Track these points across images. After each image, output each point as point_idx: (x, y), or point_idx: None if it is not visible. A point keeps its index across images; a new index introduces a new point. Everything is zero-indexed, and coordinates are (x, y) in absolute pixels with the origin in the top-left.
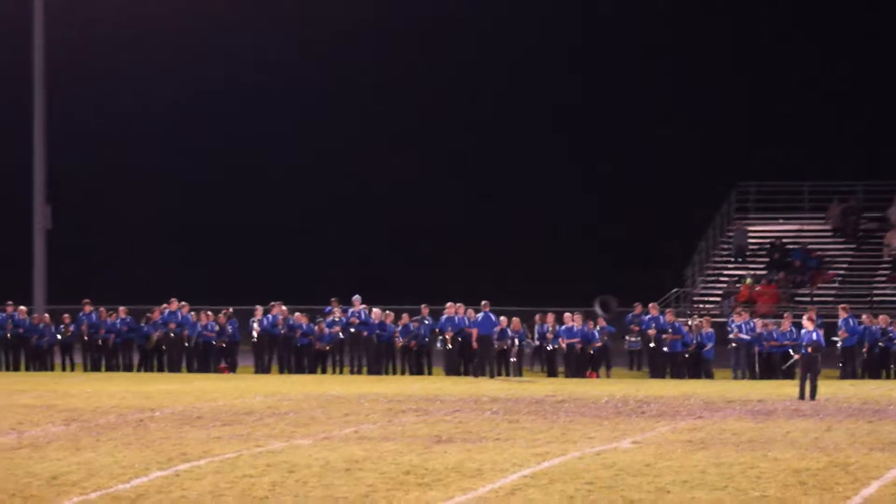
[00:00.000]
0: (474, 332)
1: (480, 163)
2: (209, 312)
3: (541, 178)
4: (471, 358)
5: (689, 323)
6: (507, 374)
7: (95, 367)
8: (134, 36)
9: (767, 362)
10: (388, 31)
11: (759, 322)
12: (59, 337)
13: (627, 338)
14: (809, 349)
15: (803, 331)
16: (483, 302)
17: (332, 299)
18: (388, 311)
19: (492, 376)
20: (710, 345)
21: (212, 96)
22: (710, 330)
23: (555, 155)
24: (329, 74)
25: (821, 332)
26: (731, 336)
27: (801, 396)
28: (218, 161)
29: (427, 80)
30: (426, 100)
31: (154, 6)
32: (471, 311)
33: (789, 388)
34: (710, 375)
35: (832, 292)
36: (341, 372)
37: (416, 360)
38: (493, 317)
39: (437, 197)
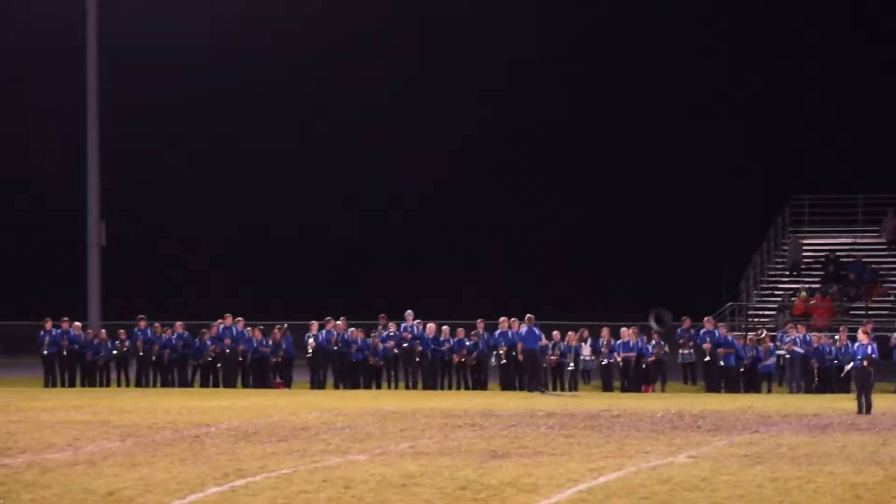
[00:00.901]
0: (518, 346)
1: (538, 179)
2: (263, 327)
3: (599, 194)
4: (524, 373)
5: (756, 336)
6: (562, 389)
7: (150, 383)
8: (188, 56)
9: (823, 376)
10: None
11: (814, 336)
12: (114, 353)
13: (681, 351)
14: (865, 362)
15: (857, 344)
16: (527, 316)
17: (381, 315)
18: (444, 326)
19: (542, 390)
20: (771, 359)
21: (263, 114)
22: (772, 345)
23: (613, 172)
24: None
25: (875, 346)
26: (784, 349)
27: (860, 411)
28: (274, 177)
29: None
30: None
31: (208, 26)
32: (523, 326)
33: (845, 401)
34: (767, 389)
35: (887, 305)
36: (396, 387)
37: (472, 375)
38: (536, 330)
39: (495, 211)
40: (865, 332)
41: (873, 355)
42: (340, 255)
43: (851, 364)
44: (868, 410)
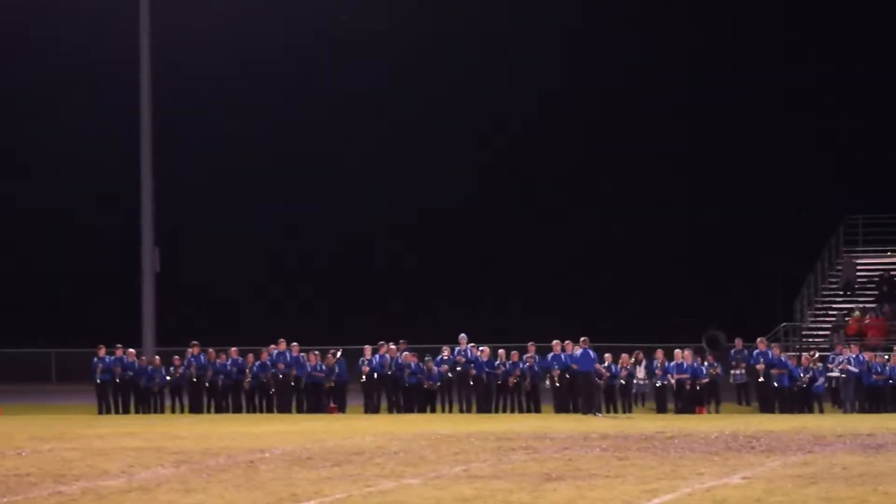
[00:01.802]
0: (573, 367)
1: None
2: (317, 352)
3: (655, 215)
4: (578, 395)
5: (811, 355)
6: (616, 411)
7: (204, 409)
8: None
9: (876, 395)
10: None
11: (868, 355)
12: (168, 379)
13: (733, 372)
14: None
15: None
16: (582, 338)
17: (444, 348)
18: (500, 350)
19: (596, 413)
20: (821, 380)
21: (314, 136)
22: (821, 365)
23: (669, 193)
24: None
25: None
26: (839, 369)
27: None
28: (325, 201)
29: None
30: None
31: (262, 44)
32: (577, 348)
33: (892, 421)
34: (820, 410)
35: None
36: (450, 410)
37: (525, 398)
38: (591, 353)
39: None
40: None
41: None
42: (392, 279)
43: None
44: None
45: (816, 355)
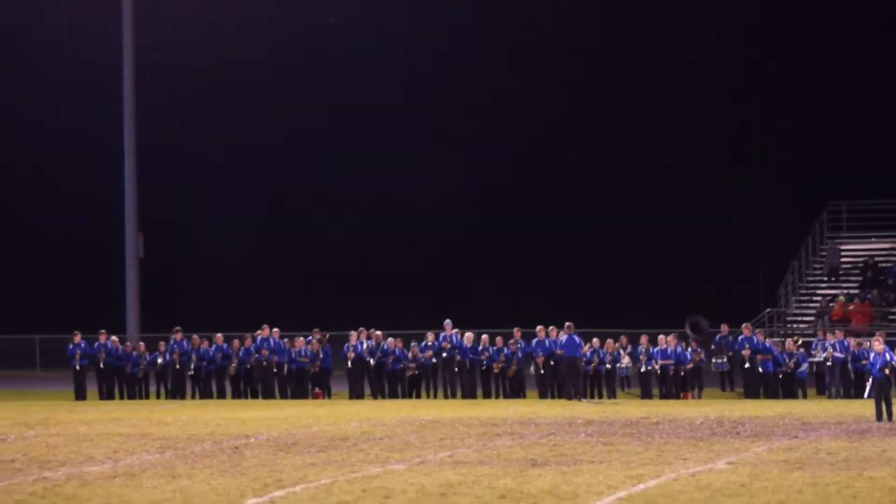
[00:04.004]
0: (559, 353)
1: (572, 187)
2: (302, 338)
3: (636, 200)
4: (562, 381)
5: (794, 341)
6: (601, 396)
7: (188, 395)
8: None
9: (861, 381)
10: None
11: (852, 341)
12: (158, 362)
13: (714, 359)
14: (886, 371)
15: (872, 354)
16: (567, 323)
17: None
18: (483, 335)
19: (580, 398)
20: (804, 366)
21: (294, 121)
22: (804, 351)
23: (649, 178)
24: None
25: (894, 353)
26: (824, 355)
27: (879, 418)
28: (309, 189)
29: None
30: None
31: (241, 34)
32: (562, 334)
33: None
34: (804, 395)
35: None
36: (435, 396)
37: (510, 384)
38: (577, 338)
39: (531, 220)
40: (879, 341)
41: (893, 362)
42: (380, 266)
43: (871, 376)
44: (890, 418)
45: (800, 341)
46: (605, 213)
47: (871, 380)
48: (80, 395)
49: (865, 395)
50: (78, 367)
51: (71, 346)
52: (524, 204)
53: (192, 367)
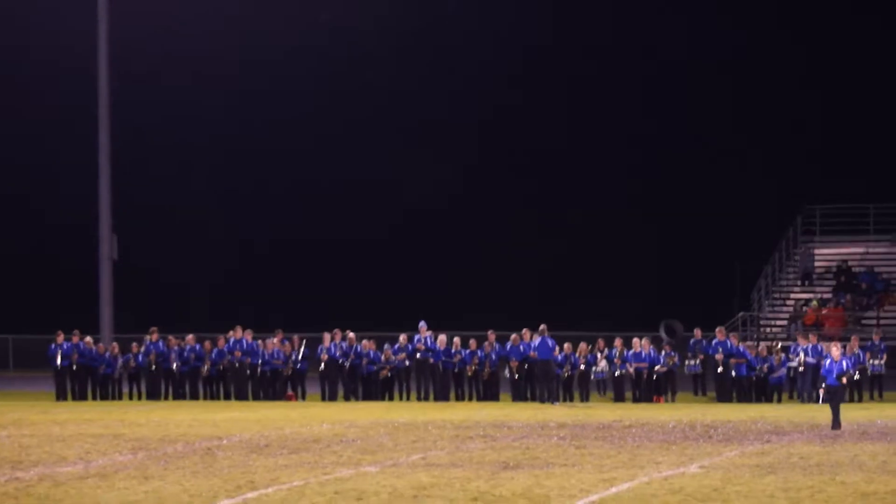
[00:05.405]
0: (533, 356)
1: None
2: (275, 340)
3: (606, 202)
4: (536, 383)
5: (772, 346)
6: (572, 400)
7: (162, 396)
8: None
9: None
10: None
11: (824, 345)
12: (134, 363)
13: (687, 362)
14: (844, 379)
15: (829, 360)
16: (541, 326)
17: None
18: (455, 338)
19: (553, 402)
20: (781, 371)
21: (273, 118)
22: (783, 356)
23: (616, 180)
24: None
25: (850, 360)
26: (796, 360)
27: (835, 426)
28: (294, 192)
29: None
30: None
31: (216, 33)
32: (536, 337)
33: (855, 411)
34: (778, 399)
35: None
36: (408, 398)
37: (484, 387)
38: (550, 341)
39: (505, 223)
40: (837, 347)
41: (849, 370)
42: (352, 266)
43: (825, 382)
44: (838, 426)
45: (780, 346)
46: (576, 214)
47: (824, 386)
48: (62, 395)
49: (820, 400)
50: (60, 368)
51: (53, 346)
52: (495, 204)
53: (174, 366)
